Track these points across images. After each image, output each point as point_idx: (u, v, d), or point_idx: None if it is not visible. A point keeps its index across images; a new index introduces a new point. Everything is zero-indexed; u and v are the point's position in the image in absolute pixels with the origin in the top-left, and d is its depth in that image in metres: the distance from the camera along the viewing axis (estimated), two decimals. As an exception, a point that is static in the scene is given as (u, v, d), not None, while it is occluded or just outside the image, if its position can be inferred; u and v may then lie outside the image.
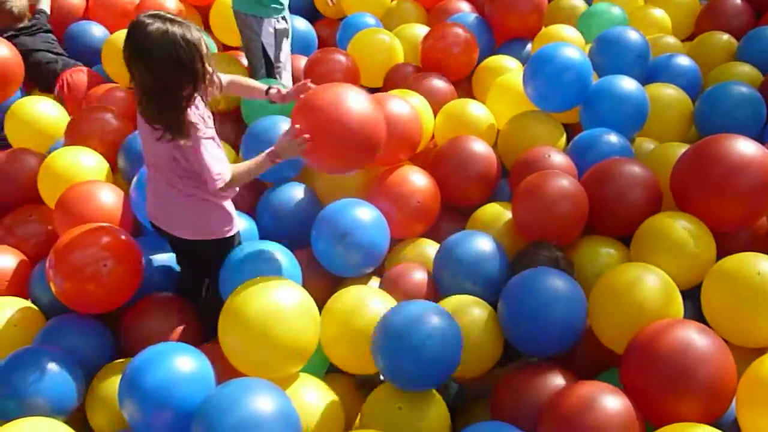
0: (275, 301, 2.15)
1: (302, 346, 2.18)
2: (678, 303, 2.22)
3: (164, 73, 2.03)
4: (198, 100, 2.18)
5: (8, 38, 3.80)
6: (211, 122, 2.27)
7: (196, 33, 2.04)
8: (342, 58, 3.68)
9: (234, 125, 3.55)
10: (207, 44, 2.11)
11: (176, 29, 1.99)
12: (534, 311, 2.21)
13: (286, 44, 3.58)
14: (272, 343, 2.11)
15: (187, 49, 2.00)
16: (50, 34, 4.09)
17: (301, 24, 4.22)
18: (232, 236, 2.49)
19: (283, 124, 2.94)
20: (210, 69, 2.11)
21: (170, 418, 1.95)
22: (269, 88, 2.46)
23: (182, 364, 2.01)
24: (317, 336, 2.25)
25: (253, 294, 2.16)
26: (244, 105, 3.46)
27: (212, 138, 2.23)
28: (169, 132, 2.10)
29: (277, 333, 2.10)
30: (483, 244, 2.57)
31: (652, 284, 2.18)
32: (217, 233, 2.43)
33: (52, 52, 4.00)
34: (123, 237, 2.50)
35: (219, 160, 2.21)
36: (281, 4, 3.45)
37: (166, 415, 1.95)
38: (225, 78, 2.40)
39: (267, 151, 2.20)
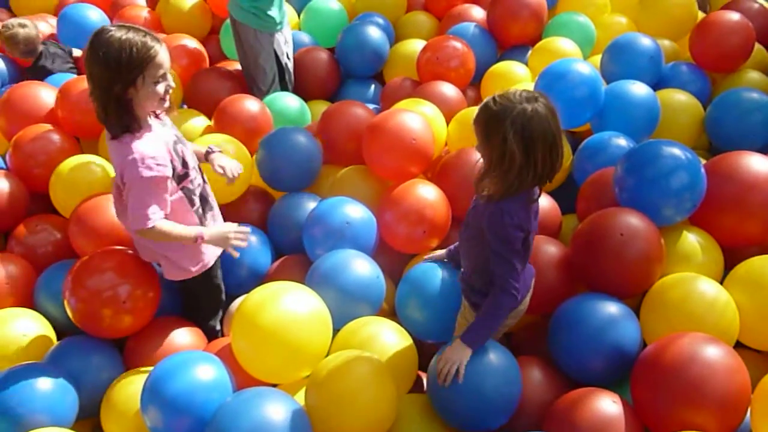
0: (288, 306, 2.15)
1: (314, 351, 2.18)
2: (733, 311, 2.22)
3: (99, 72, 2.01)
4: (179, 138, 2.25)
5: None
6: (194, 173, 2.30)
7: (149, 41, 2.01)
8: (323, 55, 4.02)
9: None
10: (163, 57, 2.05)
11: (130, 35, 1.98)
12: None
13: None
14: (285, 349, 2.12)
15: (120, 50, 1.97)
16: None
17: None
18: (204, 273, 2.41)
19: (310, 203, 2.96)
20: (149, 79, 2.04)
21: (189, 424, 1.98)
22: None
23: (203, 372, 2.05)
24: (329, 340, 2.26)
25: (266, 299, 2.17)
26: None
27: (179, 188, 2.22)
28: (113, 129, 2.10)
29: (290, 338, 2.11)
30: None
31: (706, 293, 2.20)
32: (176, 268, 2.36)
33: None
34: (141, 262, 2.45)
35: (161, 201, 2.14)
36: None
37: (185, 421, 1.98)
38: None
39: (199, 231, 2.23)
